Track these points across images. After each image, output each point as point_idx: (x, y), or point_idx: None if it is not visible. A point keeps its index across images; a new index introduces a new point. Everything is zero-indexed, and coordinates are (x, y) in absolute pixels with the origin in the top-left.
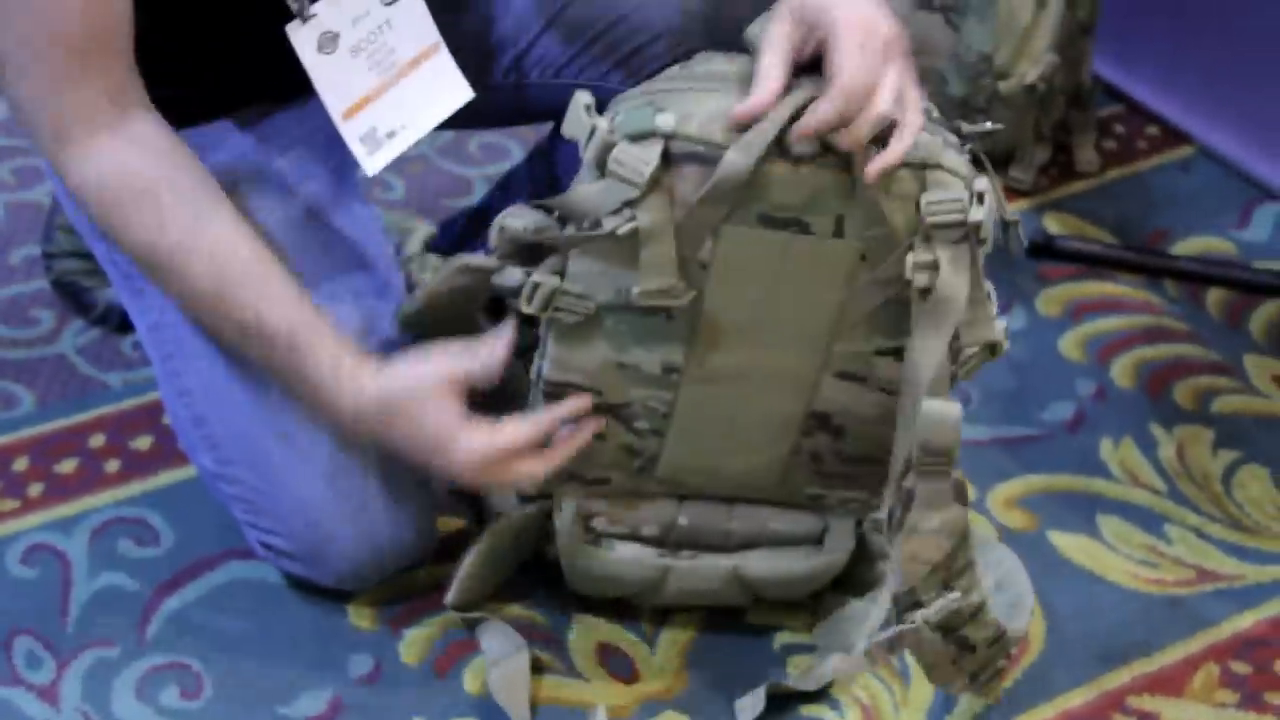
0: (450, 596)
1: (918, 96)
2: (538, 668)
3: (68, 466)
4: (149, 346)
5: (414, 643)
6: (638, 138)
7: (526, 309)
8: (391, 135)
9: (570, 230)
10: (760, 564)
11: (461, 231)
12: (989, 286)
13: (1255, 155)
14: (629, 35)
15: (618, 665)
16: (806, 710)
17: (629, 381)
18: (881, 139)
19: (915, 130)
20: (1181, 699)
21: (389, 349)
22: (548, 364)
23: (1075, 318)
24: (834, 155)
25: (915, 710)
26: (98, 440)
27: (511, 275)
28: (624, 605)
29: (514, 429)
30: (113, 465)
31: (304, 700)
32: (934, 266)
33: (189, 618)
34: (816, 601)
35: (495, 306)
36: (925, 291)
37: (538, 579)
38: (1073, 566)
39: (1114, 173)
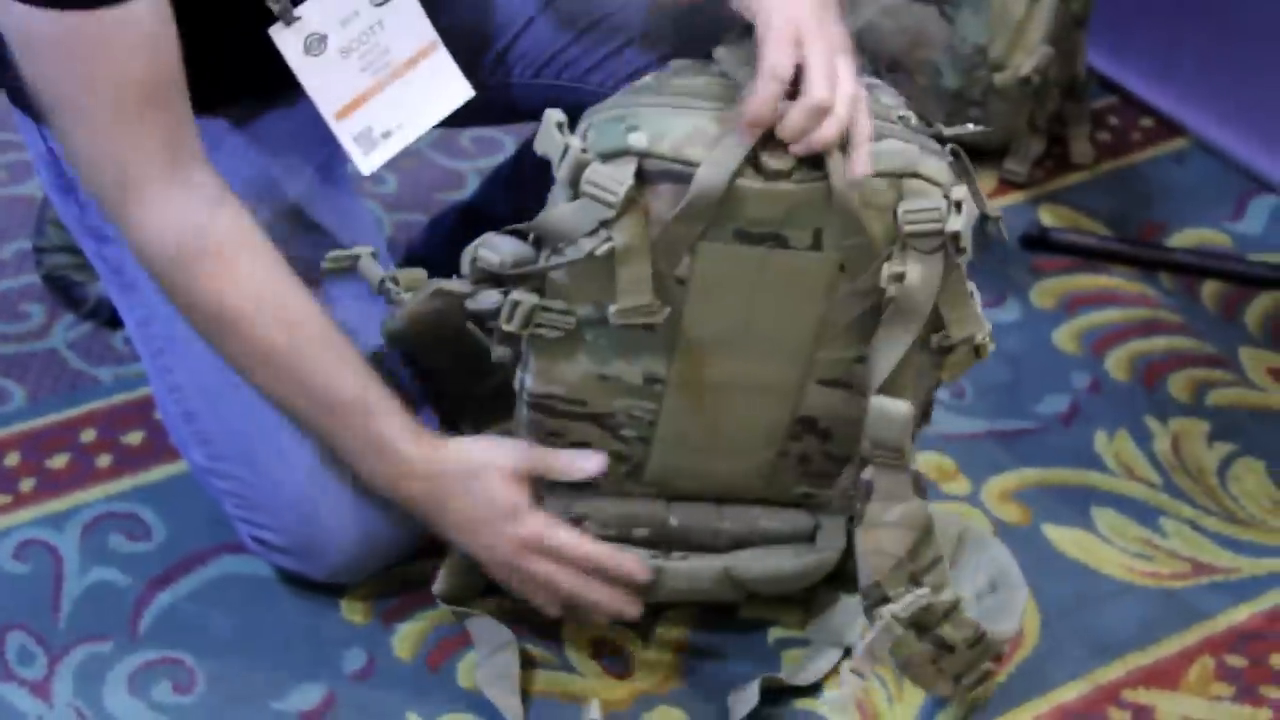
0: (438, 586)
1: (851, 85)
2: (532, 662)
3: (59, 461)
4: (138, 342)
5: (407, 637)
6: (610, 156)
7: (507, 327)
8: (388, 135)
9: (546, 254)
10: (752, 563)
11: (452, 227)
12: (972, 286)
13: (1250, 147)
14: (609, 35)
15: (612, 659)
16: (800, 704)
17: (612, 392)
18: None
19: (864, 125)
20: (1177, 692)
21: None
22: (530, 377)
23: (1070, 310)
24: (809, 169)
25: (909, 704)
26: (89, 435)
27: (487, 298)
28: None
29: (572, 536)
30: (104, 460)
31: (297, 695)
32: (903, 276)
33: (181, 613)
34: (810, 596)
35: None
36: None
37: None
38: (1067, 560)
39: (1108, 165)
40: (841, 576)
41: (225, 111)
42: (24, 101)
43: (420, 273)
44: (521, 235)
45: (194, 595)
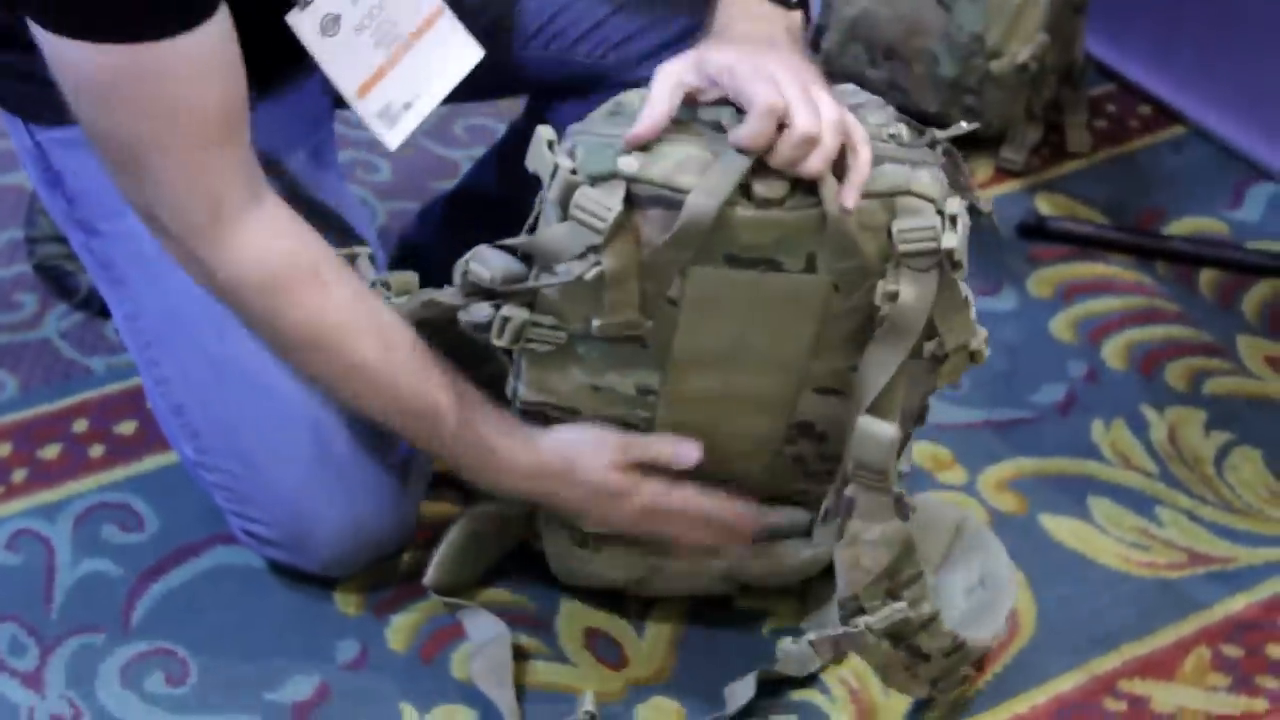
0: (429, 576)
1: (834, 111)
2: (524, 653)
3: (51, 452)
4: (127, 336)
5: (400, 628)
6: (600, 179)
7: (497, 342)
8: (408, 106)
9: (536, 271)
10: (749, 561)
11: (444, 213)
12: (967, 291)
13: (1248, 134)
14: (595, 5)
15: (606, 650)
16: (796, 695)
17: (605, 402)
18: (840, 170)
19: (862, 142)
20: (1173, 682)
21: None
22: (522, 386)
23: (1066, 299)
24: (801, 197)
25: (903, 695)
26: (81, 425)
27: (478, 311)
28: (611, 591)
29: (684, 494)
30: (97, 450)
31: (290, 686)
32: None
33: (174, 604)
34: (805, 587)
35: None
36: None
37: (524, 563)
38: (1063, 549)
39: (1106, 153)
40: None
41: None
42: (10, 103)
43: (412, 278)
44: (512, 253)
45: (187, 586)
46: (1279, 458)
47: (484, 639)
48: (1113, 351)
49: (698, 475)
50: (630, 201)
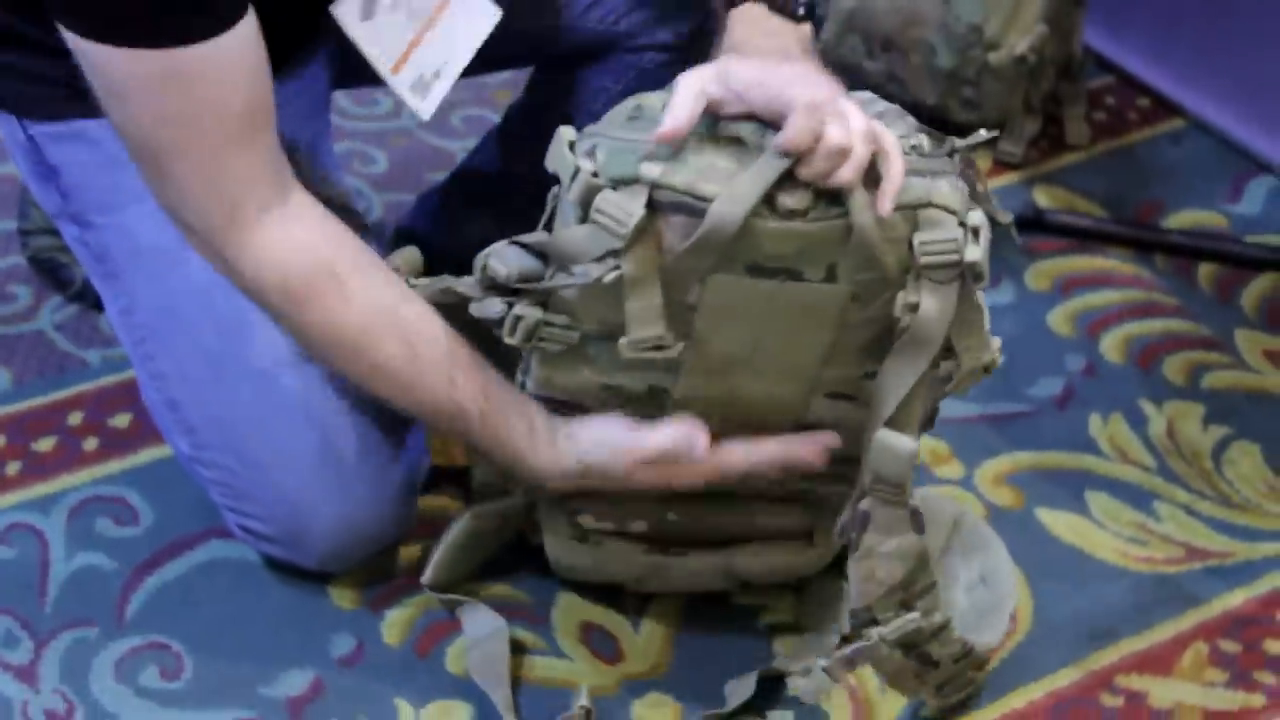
0: (427, 575)
1: (863, 121)
2: (520, 648)
3: (45, 445)
4: (121, 331)
5: (395, 623)
6: (622, 183)
7: (509, 340)
8: (437, 75)
9: (553, 273)
10: (751, 560)
11: (443, 198)
12: (982, 302)
13: (1247, 127)
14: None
15: (602, 645)
16: (795, 692)
17: (614, 400)
18: (873, 179)
19: (895, 151)
20: (1170, 678)
21: None
22: (531, 381)
23: (1064, 292)
24: (825, 208)
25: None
26: (76, 418)
27: (492, 306)
28: (608, 585)
29: (732, 456)
30: (91, 443)
31: (285, 681)
32: (917, 307)
33: (169, 598)
34: (802, 582)
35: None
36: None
37: (521, 557)
38: (1061, 544)
39: (1104, 145)
40: (836, 565)
41: None
42: (2, 99)
43: (415, 253)
44: (530, 251)
45: (181, 580)
46: (1277, 452)
47: (481, 634)
48: (1111, 345)
49: None
50: (652, 207)
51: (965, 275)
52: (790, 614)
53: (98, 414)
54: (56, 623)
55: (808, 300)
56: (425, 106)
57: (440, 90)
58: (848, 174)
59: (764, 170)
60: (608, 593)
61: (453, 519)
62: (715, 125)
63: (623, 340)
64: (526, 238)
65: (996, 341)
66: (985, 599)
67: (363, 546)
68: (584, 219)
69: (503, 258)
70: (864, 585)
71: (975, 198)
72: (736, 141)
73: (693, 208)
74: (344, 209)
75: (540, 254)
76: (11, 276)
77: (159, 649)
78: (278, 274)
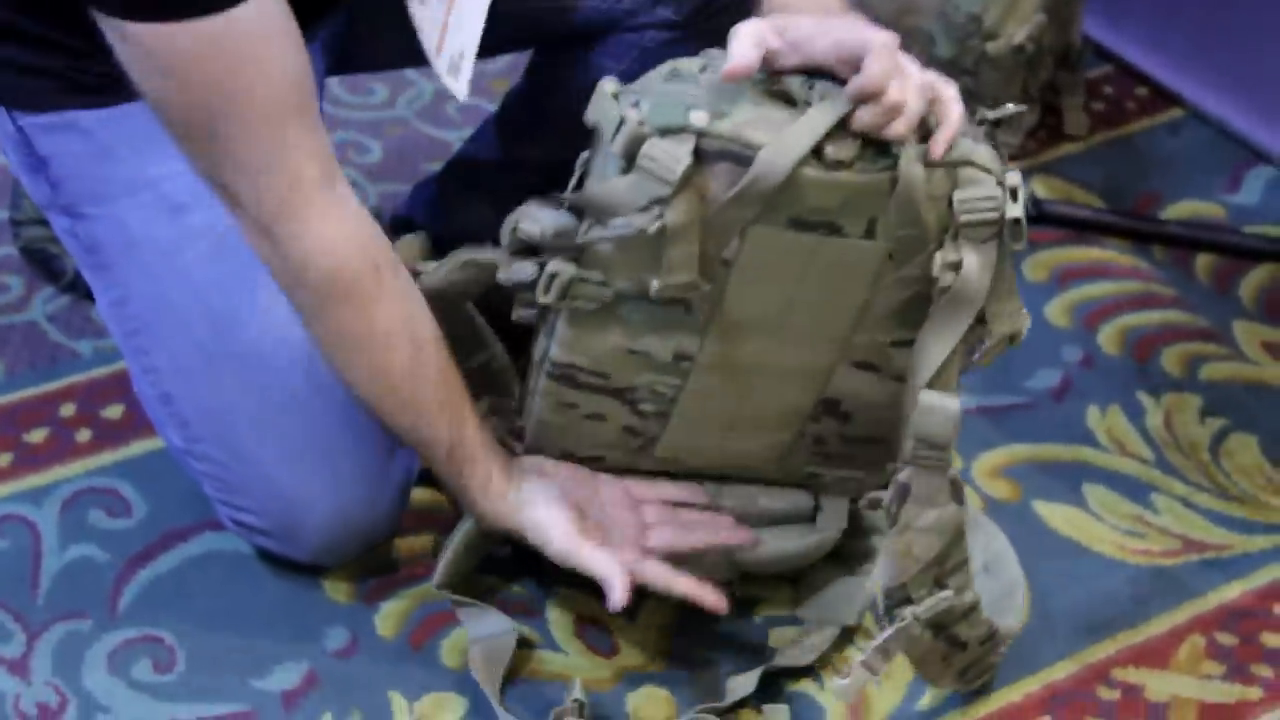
0: (438, 578)
1: (919, 75)
2: (520, 643)
3: (37, 436)
4: (112, 323)
5: (390, 616)
6: (669, 132)
7: (543, 299)
8: (463, 55)
9: (588, 225)
10: (757, 546)
11: (439, 186)
12: (1012, 274)
13: (1246, 117)
14: None
15: (597, 639)
16: (790, 685)
17: (638, 367)
18: (923, 133)
19: (954, 99)
20: (1167, 671)
21: None
22: (556, 346)
23: (1062, 283)
24: (870, 160)
25: (896, 685)
26: (68, 409)
27: (522, 269)
28: None
29: (656, 570)
30: (84, 435)
31: (278, 673)
32: (959, 266)
33: (162, 590)
34: (799, 574)
35: (484, 300)
36: (948, 289)
37: (515, 551)
38: (1058, 537)
39: (1103, 135)
40: (837, 554)
41: None
42: None
43: (418, 240)
44: (563, 207)
45: (174, 572)
46: (1275, 444)
47: (489, 632)
48: (1108, 337)
49: (712, 458)
50: (698, 156)
51: (1003, 234)
52: (786, 607)
53: (90, 405)
54: (49, 615)
55: (845, 257)
56: (461, 87)
57: (468, 69)
58: (901, 127)
59: (816, 119)
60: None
61: (460, 519)
62: (764, 81)
63: (655, 283)
64: (558, 195)
65: (1028, 316)
66: (993, 587)
67: (356, 540)
68: (626, 170)
69: (534, 217)
70: (901, 562)
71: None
72: (784, 96)
73: (740, 155)
74: None
75: (573, 211)
76: (3, 267)
77: (152, 641)
78: (326, 259)
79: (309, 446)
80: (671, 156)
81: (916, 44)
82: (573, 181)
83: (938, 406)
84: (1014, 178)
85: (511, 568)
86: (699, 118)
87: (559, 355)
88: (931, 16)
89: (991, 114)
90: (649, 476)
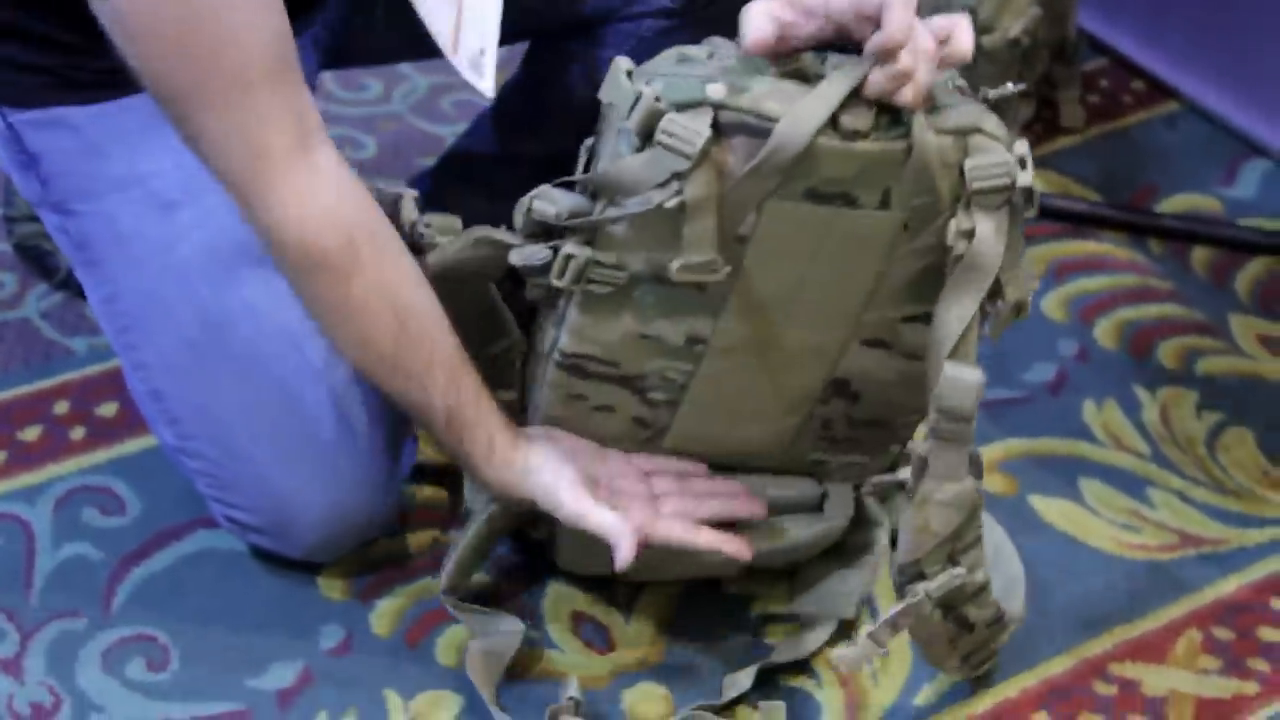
0: (446, 582)
1: (928, 43)
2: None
3: (31, 434)
4: (103, 320)
5: (385, 614)
6: (686, 106)
7: (557, 283)
8: (483, 51)
9: (603, 206)
10: (762, 536)
11: (435, 181)
12: (1021, 240)
13: (1242, 110)
14: None
15: (593, 635)
16: (786, 681)
17: (650, 353)
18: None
19: (966, 28)
20: (1164, 665)
21: None
22: (566, 335)
23: (1058, 277)
24: (885, 130)
25: (893, 681)
26: (62, 407)
27: (535, 252)
28: (601, 576)
29: (669, 526)
30: (77, 432)
31: (273, 672)
32: (973, 234)
33: (156, 589)
34: (794, 571)
35: (507, 276)
36: (961, 258)
37: (509, 549)
38: (1054, 531)
39: (1098, 129)
40: (835, 547)
41: None
42: None
43: (455, 221)
44: (578, 189)
45: (169, 571)
46: (1271, 438)
47: (495, 632)
48: (1104, 330)
49: (720, 447)
50: (715, 129)
51: (1014, 201)
52: (782, 603)
53: (84, 403)
54: (43, 614)
55: (860, 229)
56: (486, 85)
57: (491, 65)
58: (909, 95)
59: (832, 87)
60: (598, 583)
61: (465, 527)
62: (779, 63)
63: (675, 263)
64: (572, 177)
65: (1036, 282)
66: (995, 577)
67: (350, 536)
68: (641, 148)
69: (549, 197)
70: (917, 537)
71: None
72: (799, 74)
73: (757, 128)
74: None
75: (590, 192)
76: None
77: (146, 640)
78: (298, 236)
79: (301, 442)
80: (690, 130)
81: None
82: (579, 166)
83: (960, 378)
84: (1021, 147)
85: (505, 565)
86: (716, 90)
87: (568, 344)
88: (927, 10)
89: (993, 93)
90: None
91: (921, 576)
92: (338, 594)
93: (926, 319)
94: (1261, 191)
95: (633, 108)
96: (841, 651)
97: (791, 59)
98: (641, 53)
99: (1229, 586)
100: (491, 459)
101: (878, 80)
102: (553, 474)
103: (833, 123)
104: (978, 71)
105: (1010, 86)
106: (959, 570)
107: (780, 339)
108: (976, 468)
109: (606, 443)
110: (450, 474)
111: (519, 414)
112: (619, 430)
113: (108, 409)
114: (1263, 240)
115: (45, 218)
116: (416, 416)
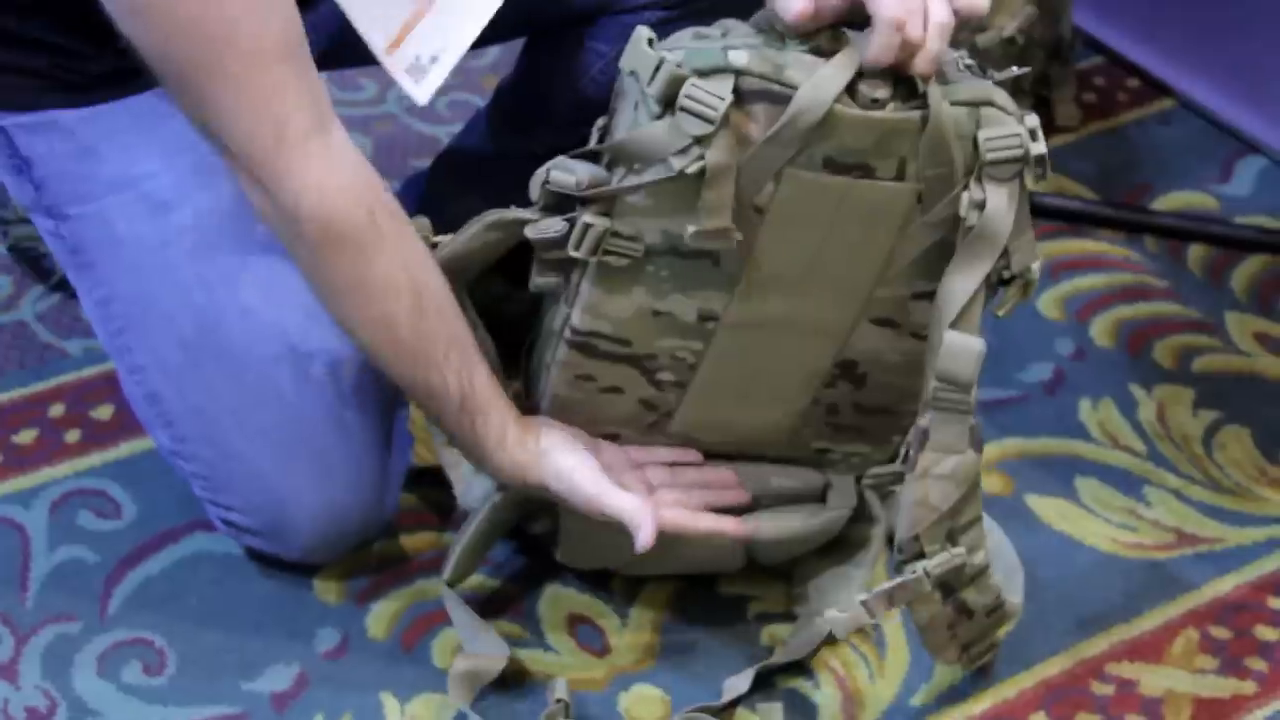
0: (448, 574)
1: (943, 15)
2: (508, 639)
3: (26, 437)
4: (97, 323)
5: (381, 616)
6: (708, 73)
7: (575, 253)
8: (435, 60)
9: (623, 173)
10: (767, 525)
11: (430, 182)
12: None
13: (1237, 107)
14: None
15: (588, 637)
16: (784, 683)
17: (661, 330)
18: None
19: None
20: (1161, 665)
21: None
22: (579, 312)
23: (1054, 276)
24: (902, 100)
25: (890, 681)
26: (57, 410)
27: (551, 224)
28: (595, 575)
29: (674, 515)
30: (73, 435)
31: (269, 675)
32: (984, 205)
33: (152, 592)
34: (791, 571)
35: (506, 264)
36: (972, 228)
37: (507, 547)
38: (1050, 530)
39: (1094, 126)
40: (831, 544)
41: None
42: None
43: (424, 221)
44: (595, 159)
45: (165, 574)
46: (1268, 436)
47: (480, 651)
48: (1101, 329)
49: (726, 433)
50: (736, 96)
51: (1024, 172)
52: (779, 604)
53: (79, 405)
54: (38, 618)
55: (875, 200)
56: (421, 92)
57: (438, 77)
58: (922, 65)
59: (849, 58)
60: (594, 584)
61: (467, 519)
62: (797, 43)
63: (691, 229)
64: (589, 148)
65: (1040, 255)
66: (1000, 570)
67: (346, 538)
68: (661, 115)
69: (567, 168)
70: (916, 511)
71: None
72: (816, 49)
73: (778, 95)
74: None
75: (607, 163)
76: None
77: (142, 644)
78: (320, 212)
79: (297, 444)
80: (712, 95)
81: None
82: (593, 142)
83: (960, 344)
84: (1031, 119)
85: (502, 564)
86: (738, 57)
87: (581, 321)
88: None
89: (999, 75)
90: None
91: (921, 555)
92: (334, 597)
93: (933, 296)
94: (1257, 189)
95: (654, 75)
96: (832, 614)
97: (811, 39)
98: None
99: (1226, 585)
100: (505, 442)
101: (888, 48)
102: (567, 457)
103: (851, 92)
104: None
105: (1015, 69)
106: (959, 550)
107: (791, 316)
108: (976, 440)
109: (612, 427)
110: (441, 484)
111: (523, 405)
112: (625, 413)
113: (103, 412)
114: (1259, 238)
115: (39, 222)
116: (428, 403)
